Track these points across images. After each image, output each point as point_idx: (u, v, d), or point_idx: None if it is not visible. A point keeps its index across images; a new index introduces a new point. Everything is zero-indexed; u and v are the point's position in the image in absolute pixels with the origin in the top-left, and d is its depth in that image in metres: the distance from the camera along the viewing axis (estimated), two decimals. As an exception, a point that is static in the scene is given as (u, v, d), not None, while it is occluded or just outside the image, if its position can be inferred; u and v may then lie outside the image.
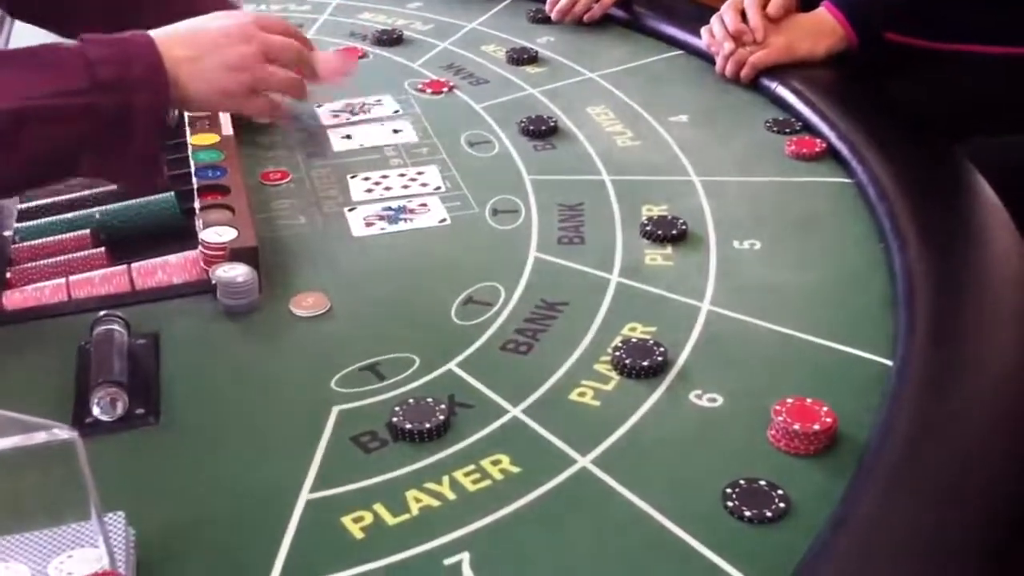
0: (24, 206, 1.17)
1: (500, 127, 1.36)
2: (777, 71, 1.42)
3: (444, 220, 1.16)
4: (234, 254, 1.02)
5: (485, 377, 0.91)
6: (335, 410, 0.88)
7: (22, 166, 0.97)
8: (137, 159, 1.01)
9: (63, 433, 0.60)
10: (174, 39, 1.02)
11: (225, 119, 1.28)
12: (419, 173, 1.25)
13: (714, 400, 0.88)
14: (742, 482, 0.78)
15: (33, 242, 1.11)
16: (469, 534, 0.75)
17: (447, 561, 0.73)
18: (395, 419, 0.85)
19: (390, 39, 1.64)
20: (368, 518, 0.77)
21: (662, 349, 0.92)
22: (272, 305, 1.01)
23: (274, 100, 1.12)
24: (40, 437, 0.60)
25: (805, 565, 0.70)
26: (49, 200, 1.17)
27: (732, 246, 1.09)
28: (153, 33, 1.03)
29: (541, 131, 1.33)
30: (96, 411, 0.86)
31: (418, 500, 0.79)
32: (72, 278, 1.04)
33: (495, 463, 0.82)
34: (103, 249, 1.09)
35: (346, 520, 0.77)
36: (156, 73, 0.99)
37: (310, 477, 0.81)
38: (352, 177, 1.24)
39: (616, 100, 1.43)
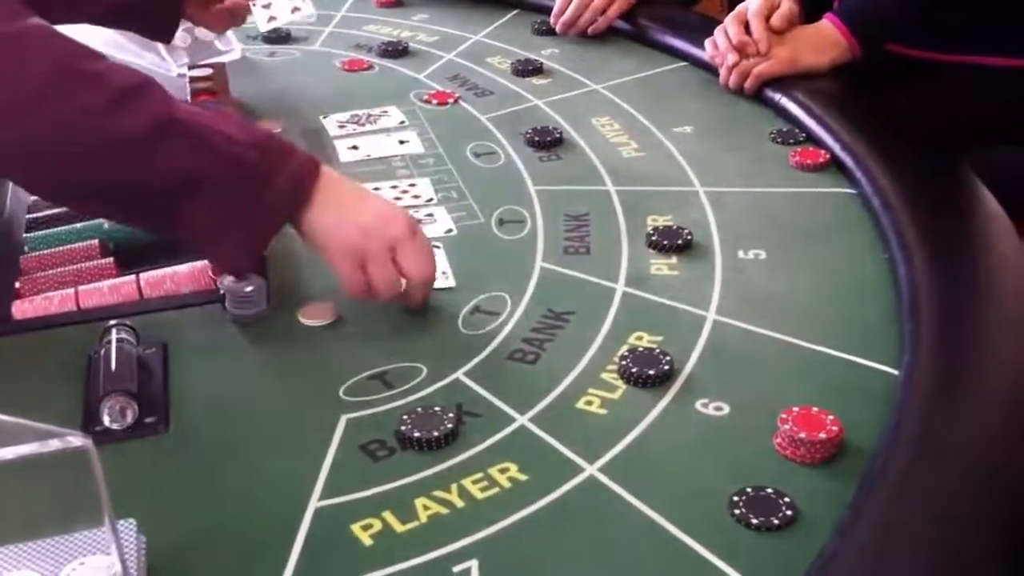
0: (33, 216, 1.18)
1: (505, 138, 1.37)
2: (781, 82, 1.43)
3: (450, 230, 1.16)
4: (242, 264, 1.03)
5: (492, 386, 0.92)
6: (343, 419, 0.88)
7: (142, 172, 0.91)
8: (246, 234, 0.95)
9: (77, 441, 0.61)
10: (341, 180, 1.00)
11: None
12: (411, 185, 1.26)
13: (720, 409, 0.88)
14: (749, 490, 0.78)
15: (42, 252, 1.11)
16: (478, 541, 0.76)
17: (456, 568, 0.74)
18: (403, 427, 0.85)
19: (395, 51, 1.65)
20: (377, 526, 0.78)
21: (668, 358, 0.92)
22: (280, 315, 1.02)
23: (369, 287, 0.99)
24: (54, 445, 0.60)
25: (812, 573, 0.70)
26: (58, 210, 1.18)
27: (737, 256, 1.10)
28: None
29: (546, 142, 1.34)
30: (106, 420, 0.87)
31: (427, 508, 0.79)
32: (81, 288, 1.04)
33: (503, 471, 0.82)
34: (112, 259, 1.10)
35: (355, 528, 0.77)
36: (308, 175, 0.96)
37: (319, 485, 0.81)
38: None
39: (621, 111, 1.44)
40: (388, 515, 0.78)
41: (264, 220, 0.96)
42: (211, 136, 0.93)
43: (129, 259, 1.10)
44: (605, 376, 0.93)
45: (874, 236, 1.12)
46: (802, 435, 0.82)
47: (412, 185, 1.26)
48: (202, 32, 1.54)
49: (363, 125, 1.42)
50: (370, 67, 1.62)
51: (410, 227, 1.00)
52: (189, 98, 1.39)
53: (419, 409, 0.87)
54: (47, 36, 0.91)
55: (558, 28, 1.69)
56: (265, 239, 0.98)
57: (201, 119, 0.93)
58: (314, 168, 0.98)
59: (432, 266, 1.01)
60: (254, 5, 1.56)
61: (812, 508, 0.77)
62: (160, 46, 1.53)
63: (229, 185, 0.93)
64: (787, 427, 0.82)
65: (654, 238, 1.12)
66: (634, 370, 0.91)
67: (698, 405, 0.89)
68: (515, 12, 1.80)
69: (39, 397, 0.91)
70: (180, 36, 1.50)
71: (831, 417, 0.83)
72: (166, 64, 1.54)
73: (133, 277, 1.06)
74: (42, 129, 0.88)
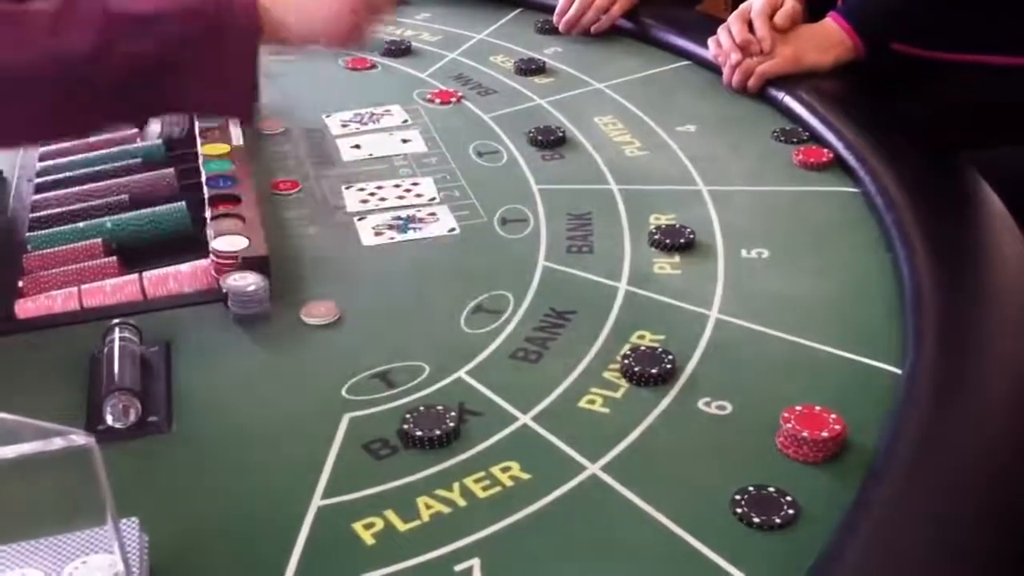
0: (36, 215, 1.18)
1: (508, 137, 1.37)
2: (784, 81, 1.43)
3: (453, 229, 1.16)
4: (245, 263, 1.03)
5: (495, 385, 0.92)
6: (346, 417, 0.88)
7: (114, 76, 0.95)
8: (229, 81, 1.00)
9: (80, 439, 0.61)
10: None
11: (235, 130, 1.29)
12: (415, 184, 1.26)
13: (723, 408, 0.88)
14: (751, 489, 0.78)
15: (45, 251, 1.11)
16: (480, 540, 0.76)
17: (458, 567, 0.74)
18: (405, 426, 0.86)
19: (399, 50, 1.65)
20: (379, 524, 0.78)
21: (671, 357, 0.92)
22: (283, 314, 1.02)
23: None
24: (58, 443, 0.61)
25: (814, 571, 0.70)
26: (61, 209, 1.18)
27: (740, 255, 1.10)
28: None
29: (549, 141, 1.34)
30: (109, 418, 0.87)
31: (429, 507, 0.79)
32: (84, 287, 1.04)
33: (505, 470, 0.82)
34: (115, 258, 1.10)
35: (357, 526, 0.77)
36: (252, 6, 1.00)
37: (321, 484, 0.82)
38: (347, 187, 1.25)
39: (624, 110, 1.44)
40: (390, 514, 0.78)
41: (241, 65, 1.00)
42: (152, 19, 0.95)
43: (132, 258, 1.11)
44: (607, 375, 0.93)
45: (877, 235, 1.12)
46: (804, 434, 0.82)
47: (415, 184, 1.26)
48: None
49: (366, 124, 1.42)
50: (373, 66, 1.62)
51: None
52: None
53: (421, 408, 0.87)
54: None
55: (561, 27, 1.69)
56: (249, 78, 1.01)
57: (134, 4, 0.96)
58: None
59: None
60: None
61: (814, 507, 0.77)
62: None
63: (191, 55, 0.97)
64: (789, 426, 0.82)
65: (657, 237, 1.12)
66: (636, 369, 0.91)
67: (700, 404, 0.89)
68: (518, 11, 1.80)
69: (42, 396, 0.91)
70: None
71: (833, 416, 0.83)
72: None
73: (136, 276, 1.06)
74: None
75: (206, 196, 1.15)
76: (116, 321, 0.96)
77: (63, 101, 0.95)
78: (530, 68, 1.57)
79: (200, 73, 0.98)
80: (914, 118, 1.35)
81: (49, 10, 0.93)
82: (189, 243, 1.12)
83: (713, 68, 1.52)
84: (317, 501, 0.80)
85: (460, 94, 1.50)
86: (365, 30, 1.08)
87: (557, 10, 1.70)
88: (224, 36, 0.98)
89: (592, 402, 0.90)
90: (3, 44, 0.91)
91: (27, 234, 1.15)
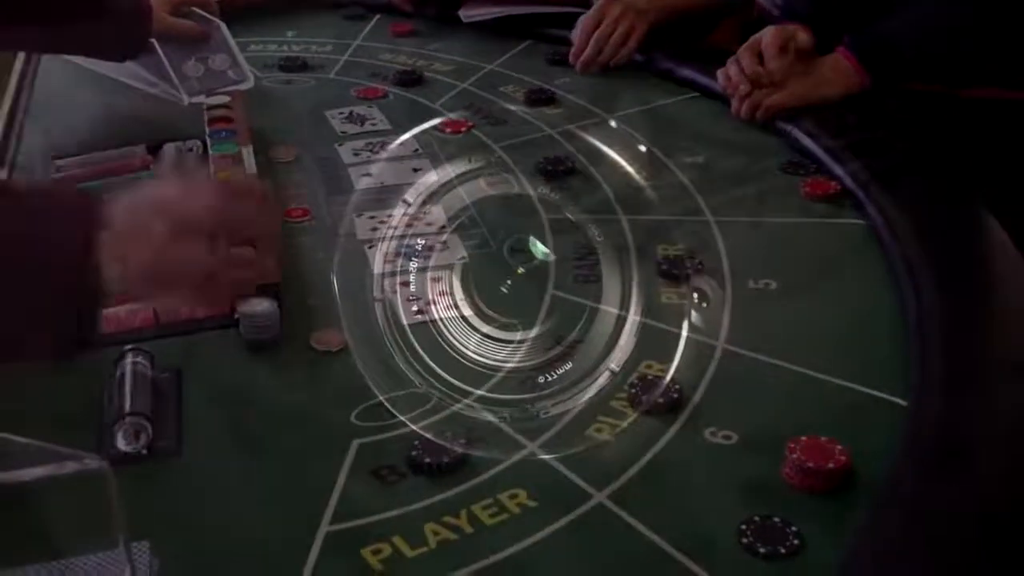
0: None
1: (518, 167, 1.38)
2: (792, 113, 1.44)
3: (463, 258, 1.17)
4: (257, 289, 1.04)
5: (502, 412, 0.92)
6: (355, 443, 0.89)
7: None
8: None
9: (93, 463, 0.62)
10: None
11: (249, 158, 1.30)
12: (425, 213, 1.27)
13: (729, 437, 0.89)
14: (756, 519, 0.79)
15: (60, 276, 1.12)
16: (486, 567, 0.77)
17: (464, 594, 0.74)
18: (414, 453, 0.86)
19: (410, 79, 1.67)
20: (387, 550, 0.78)
21: (677, 387, 0.93)
22: (293, 340, 1.03)
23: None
24: (71, 467, 0.61)
25: (819, 601, 0.71)
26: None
27: (747, 285, 1.11)
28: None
29: (558, 171, 1.35)
30: (120, 443, 0.88)
31: (436, 533, 0.80)
32: (98, 312, 1.06)
33: (512, 497, 0.83)
34: (128, 284, 1.11)
35: (365, 552, 0.78)
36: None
37: (330, 509, 0.82)
38: (358, 215, 1.26)
39: (632, 141, 1.45)
40: (398, 540, 0.79)
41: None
42: None
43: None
44: (614, 404, 0.93)
45: (883, 267, 1.12)
46: (810, 464, 0.82)
47: (425, 213, 1.27)
48: (215, 62, 1.56)
49: (377, 153, 1.43)
50: (385, 95, 1.63)
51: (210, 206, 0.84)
52: (206, 127, 1.40)
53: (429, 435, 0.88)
54: None
55: (578, 68, 1.68)
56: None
57: None
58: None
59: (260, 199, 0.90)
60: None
61: (819, 537, 0.78)
62: (173, 76, 1.54)
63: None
64: (795, 456, 0.83)
65: (664, 267, 1.13)
66: (643, 398, 0.92)
67: (706, 434, 0.89)
68: (528, 42, 1.81)
69: (54, 420, 0.92)
70: (192, 66, 1.53)
71: (839, 447, 0.84)
72: (177, 94, 1.56)
73: (149, 302, 1.07)
74: None
75: (219, 223, 1.16)
76: (129, 347, 0.97)
77: None
78: (540, 98, 1.58)
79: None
80: (921, 150, 1.36)
81: None
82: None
83: (722, 99, 1.53)
84: (325, 526, 0.81)
85: (471, 123, 1.51)
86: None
87: (573, 50, 1.70)
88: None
89: (599, 431, 0.90)
90: None
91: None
